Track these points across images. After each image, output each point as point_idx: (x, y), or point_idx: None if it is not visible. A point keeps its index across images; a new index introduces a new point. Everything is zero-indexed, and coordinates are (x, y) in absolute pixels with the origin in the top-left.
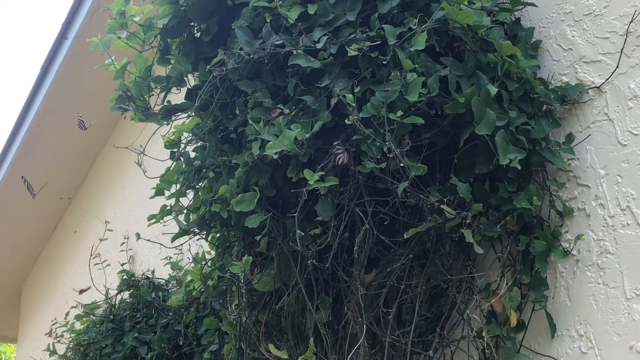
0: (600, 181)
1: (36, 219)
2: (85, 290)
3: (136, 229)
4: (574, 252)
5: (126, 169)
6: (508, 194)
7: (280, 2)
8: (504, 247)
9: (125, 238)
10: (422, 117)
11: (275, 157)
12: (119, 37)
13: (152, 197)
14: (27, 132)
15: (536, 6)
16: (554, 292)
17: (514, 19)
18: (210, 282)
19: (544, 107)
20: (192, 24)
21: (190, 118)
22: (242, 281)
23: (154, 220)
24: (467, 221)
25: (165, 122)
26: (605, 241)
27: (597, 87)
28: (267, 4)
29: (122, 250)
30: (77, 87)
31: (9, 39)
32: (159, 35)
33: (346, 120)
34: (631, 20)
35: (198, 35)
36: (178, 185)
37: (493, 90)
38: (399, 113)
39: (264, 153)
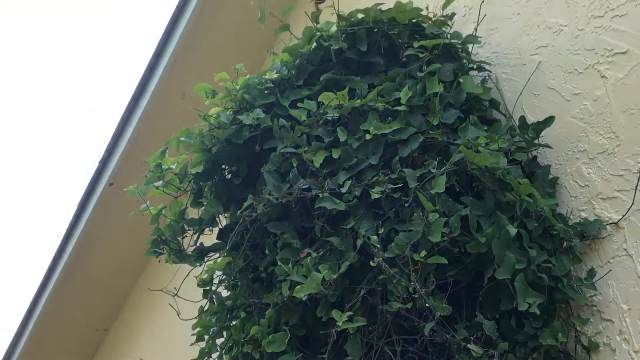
0: (623, 316)
1: (72, 350)
2: None
3: None
4: None
5: (158, 304)
6: (534, 331)
7: (306, 148)
8: None
9: None
10: (445, 255)
11: (304, 299)
12: (156, 187)
13: (192, 344)
14: (64, 266)
15: (551, 147)
16: None
17: (530, 157)
18: None
19: (564, 244)
20: (223, 167)
21: (222, 257)
22: None
23: None
24: (495, 359)
25: (198, 264)
26: None
27: (615, 223)
28: (294, 150)
29: None
30: (113, 222)
31: (48, 175)
32: (192, 180)
33: (371, 262)
34: None
35: (229, 177)
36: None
37: (513, 230)
38: (423, 253)
39: (293, 295)
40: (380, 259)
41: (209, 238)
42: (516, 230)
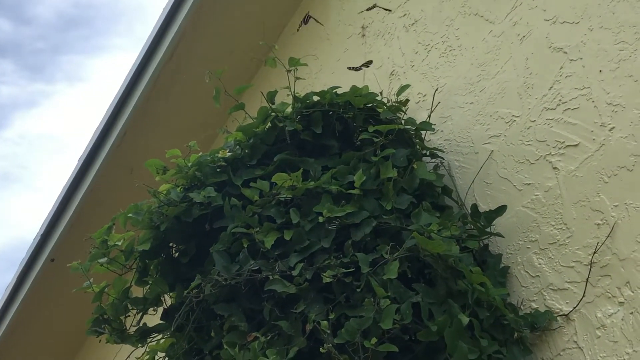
0: None
1: None
2: None
3: None
4: None
5: None
6: None
7: (258, 228)
8: None
9: None
10: (396, 343)
11: None
12: (101, 264)
13: None
14: None
15: (503, 237)
16: None
17: (482, 245)
18: None
19: (515, 334)
20: (171, 245)
21: (165, 338)
22: None
23: None
24: None
25: (140, 345)
26: None
27: (566, 315)
28: (245, 230)
29: None
30: (51, 297)
31: None
32: (138, 258)
33: (321, 349)
34: (594, 252)
35: (176, 255)
36: None
37: (465, 320)
38: (374, 340)
39: None
40: (330, 344)
41: (153, 318)
42: (468, 319)
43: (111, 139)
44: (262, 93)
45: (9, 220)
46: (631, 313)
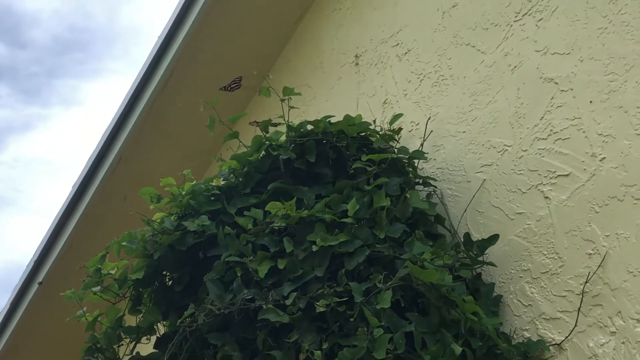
0: None
1: None
2: None
3: None
4: None
5: None
6: None
7: (251, 257)
8: None
9: None
10: None
11: None
12: (94, 293)
13: None
14: None
15: (495, 266)
16: None
17: (475, 274)
18: None
19: None
20: (165, 273)
21: None
22: None
23: None
24: None
25: None
26: None
27: (558, 345)
28: (239, 259)
29: None
30: (43, 326)
31: None
32: (131, 286)
33: None
34: (586, 281)
35: (170, 284)
36: None
37: (458, 349)
38: None
39: None
40: None
41: (146, 347)
42: (461, 349)
43: (105, 165)
44: (257, 121)
45: (4, 243)
46: (623, 343)
